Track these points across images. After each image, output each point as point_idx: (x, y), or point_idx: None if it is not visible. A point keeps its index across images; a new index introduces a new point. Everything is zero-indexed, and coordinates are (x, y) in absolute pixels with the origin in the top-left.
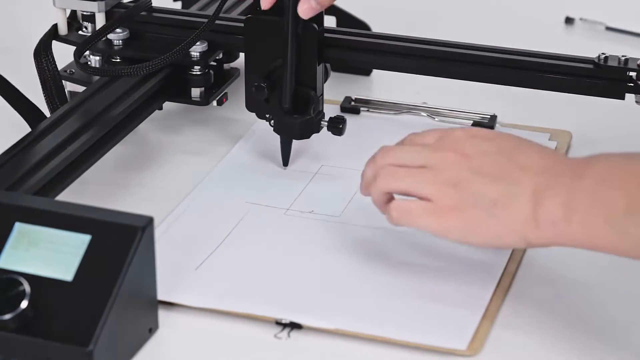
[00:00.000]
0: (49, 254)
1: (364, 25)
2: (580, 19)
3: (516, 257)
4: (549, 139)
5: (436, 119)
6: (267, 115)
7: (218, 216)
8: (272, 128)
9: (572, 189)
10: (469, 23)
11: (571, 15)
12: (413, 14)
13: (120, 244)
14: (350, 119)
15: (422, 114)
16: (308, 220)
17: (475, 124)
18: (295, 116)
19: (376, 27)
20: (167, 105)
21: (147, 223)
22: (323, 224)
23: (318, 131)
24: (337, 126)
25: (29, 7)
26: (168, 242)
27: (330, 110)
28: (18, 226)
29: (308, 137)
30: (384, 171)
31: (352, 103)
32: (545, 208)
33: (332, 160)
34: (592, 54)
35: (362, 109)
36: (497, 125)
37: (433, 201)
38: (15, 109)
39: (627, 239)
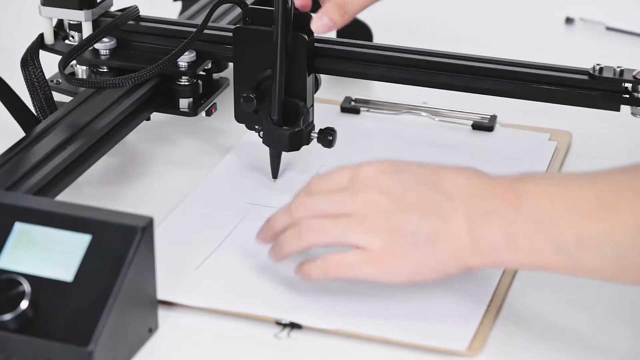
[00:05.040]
0: (49, 254)
1: (364, 26)
2: (581, 19)
3: None
4: (549, 139)
5: (436, 119)
6: (257, 127)
7: (218, 216)
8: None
9: (510, 219)
10: (470, 22)
11: (571, 15)
12: (414, 10)
13: (120, 244)
14: (350, 118)
15: (422, 114)
16: None
17: (476, 124)
18: (284, 128)
19: (377, 28)
20: (155, 115)
21: (147, 223)
22: None
23: (308, 143)
24: (327, 138)
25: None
26: (168, 242)
27: (331, 110)
28: (18, 226)
29: (297, 149)
30: (307, 225)
31: (352, 103)
32: (484, 236)
33: (332, 160)
34: (592, 54)
35: (362, 108)
36: (497, 125)
37: (367, 249)
38: (10, 113)
39: (581, 266)
